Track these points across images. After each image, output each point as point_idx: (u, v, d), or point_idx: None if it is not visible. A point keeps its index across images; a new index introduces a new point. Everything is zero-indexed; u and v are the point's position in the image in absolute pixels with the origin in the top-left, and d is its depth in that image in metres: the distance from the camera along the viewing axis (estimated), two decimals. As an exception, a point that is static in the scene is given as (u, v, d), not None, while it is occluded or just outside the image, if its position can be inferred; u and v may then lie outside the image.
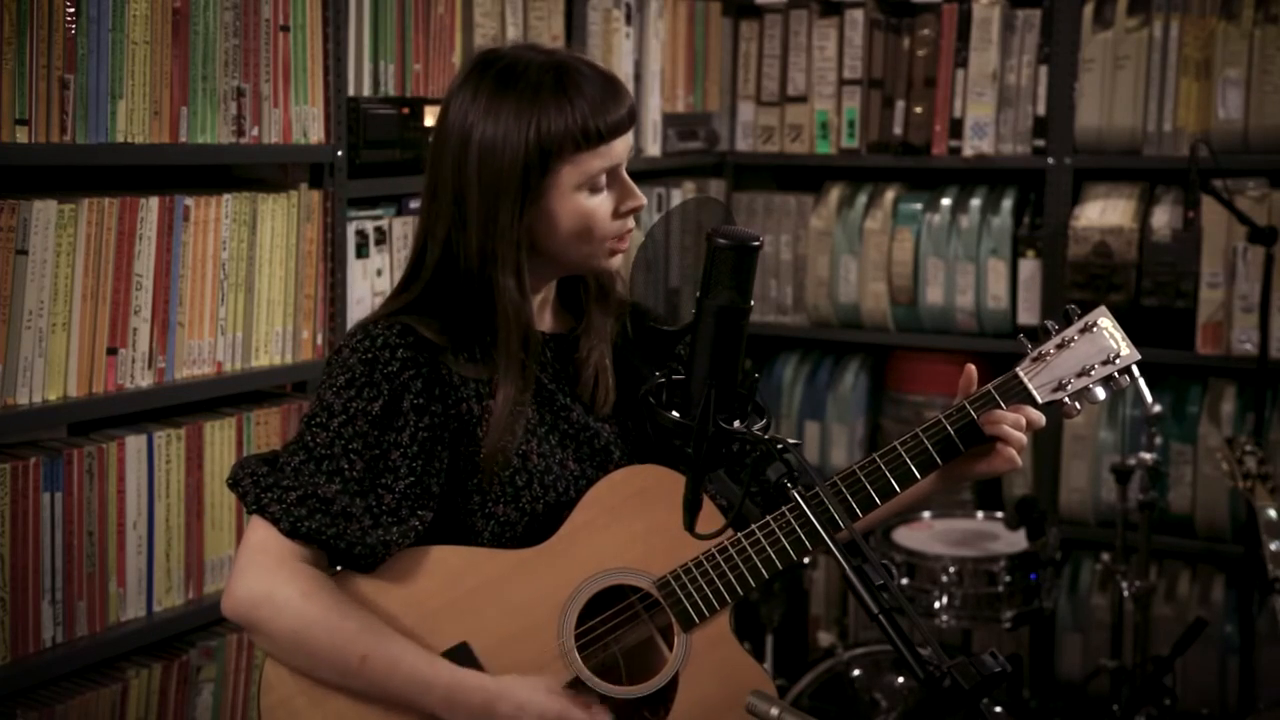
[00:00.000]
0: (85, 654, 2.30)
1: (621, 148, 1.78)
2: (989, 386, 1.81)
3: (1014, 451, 1.79)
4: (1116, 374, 1.82)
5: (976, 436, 1.79)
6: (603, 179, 1.77)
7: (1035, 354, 1.82)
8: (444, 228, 1.78)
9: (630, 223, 1.82)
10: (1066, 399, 1.81)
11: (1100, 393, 1.82)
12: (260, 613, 1.70)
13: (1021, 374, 1.81)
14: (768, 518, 1.76)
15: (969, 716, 1.32)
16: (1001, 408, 1.79)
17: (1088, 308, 1.86)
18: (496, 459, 1.76)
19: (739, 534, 1.77)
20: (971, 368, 1.84)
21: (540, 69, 1.75)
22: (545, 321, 1.88)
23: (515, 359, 1.77)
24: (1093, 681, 3.53)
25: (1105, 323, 1.84)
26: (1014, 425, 1.78)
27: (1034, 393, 1.80)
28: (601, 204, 1.78)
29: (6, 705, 2.20)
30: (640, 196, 1.80)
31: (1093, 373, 1.81)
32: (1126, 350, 1.83)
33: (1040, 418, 1.80)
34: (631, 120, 1.79)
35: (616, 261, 1.84)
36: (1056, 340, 1.82)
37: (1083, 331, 1.82)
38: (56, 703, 2.27)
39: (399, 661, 1.70)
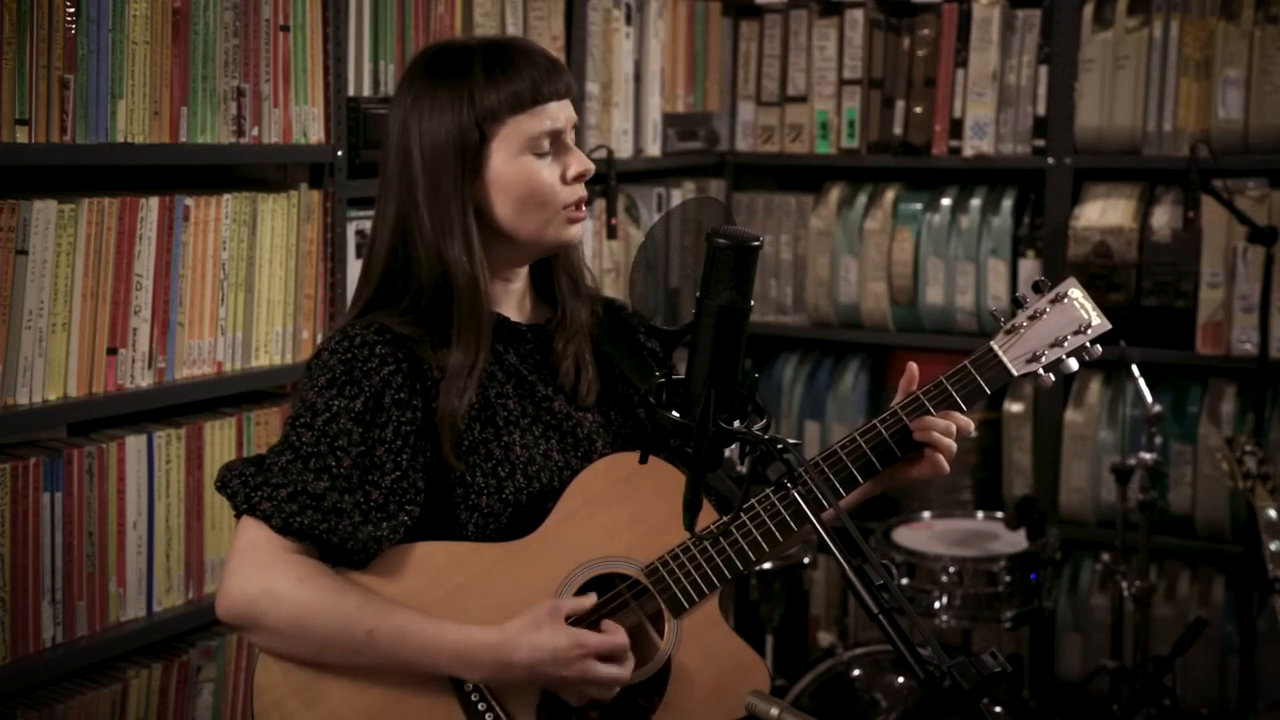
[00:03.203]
0: (85, 654, 2.30)
1: (559, 113, 1.81)
2: (965, 362, 1.82)
3: (941, 459, 1.80)
4: (1088, 344, 1.83)
5: (911, 441, 1.80)
6: (545, 143, 1.80)
7: (1008, 326, 1.83)
8: (394, 211, 1.81)
9: (582, 190, 1.84)
10: (1040, 370, 1.82)
11: (1073, 363, 1.82)
12: (259, 607, 1.69)
13: (995, 347, 1.82)
14: (752, 500, 1.77)
15: (969, 716, 1.32)
16: (931, 413, 1.80)
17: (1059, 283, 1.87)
18: (446, 426, 1.76)
19: (724, 519, 1.77)
20: (913, 367, 1.85)
21: (471, 50, 1.80)
22: (523, 313, 1.90)
23: (470, 327, 1.78)
24: (1093, 681, 3.53)
25: (1075, 293, 1.84)
26: (944, 431, 1.79)
27: (1009, 365, 1.81)
28: (547, 168, 1.81)
29: (6, 705, 2.20)
30: (587, 161, 1.83)
31: (1065, 343, 1.82)
32: (1097, 320, 1.84)
33: (969, 424, 1.82)
34: (568, 92, 1.82)
35: (576, 231, 1.85)
36: (1029, 312, 1.83)
37: (1053, 302, 1.83)
38: (56, 703, 2.27)
39: (405, 630, 1.71)
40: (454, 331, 1.78)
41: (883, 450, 1.80)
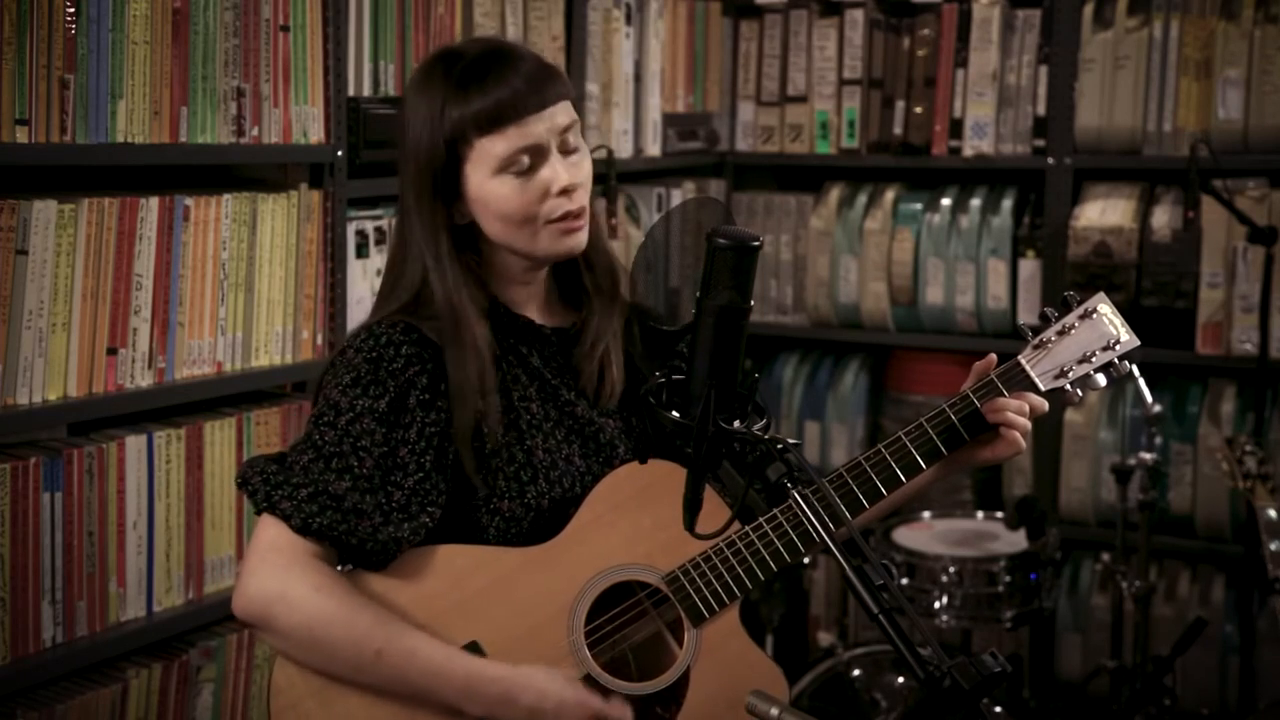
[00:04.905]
0: (85, 654, 2.30)
1: (537, 126, 1.74)
2: (992, 374, 1.82)
3: (1018, 436, 1.79)
4: (1116, 360, 1.82)
5: (980, 424, 1.80)
6: (523, 160, 1.75)
7: (1037, 341, 1.82)
8: (400, 217, 1.82)
9: (571, 203, 1.77)
10: (1068, 386, 1.81)
11: (1101, 379, 1.81)
12: (274, 610, 1.69)
13: (1024, 361, 1.81)
14: (775, 510, 1.76)
15: (969, 716, 1.32)
16: (1004, 395, 1.79)
17: (1087, 295, 1.86)
18: (463, 445, 1.76)
19: (746, 527, 1.77)
20: (993, 356, 1.84)
21: (461, 59, 1.76)
22: (546, 315, 1.89)
23: (454, 344, 1.75)
24: (1093, 681, 3.53)
25: (1104, 309, 1.83)
26: (1017, 411, 1.78)
27: (1036, 380, 1.81)
28: (523, 187, 1.75)
29: (6, 705, 2.20)
30: (573, 174, 1.77)
31: (1094, 359, 1.81)
32: (1126, 336, 1.83)
33: (1043, 403, 1.81)
34: (556, 99, 1.76)
35: (570, 242, 1.79)
36: (1057, 327, 1.82)
37: (1082, 318, 1.82)
38: (56, 703, 2.26)
39: (415, 654, 1.70)
40: (445, 350, 1.76)
41: (951, 434, 1.79)
